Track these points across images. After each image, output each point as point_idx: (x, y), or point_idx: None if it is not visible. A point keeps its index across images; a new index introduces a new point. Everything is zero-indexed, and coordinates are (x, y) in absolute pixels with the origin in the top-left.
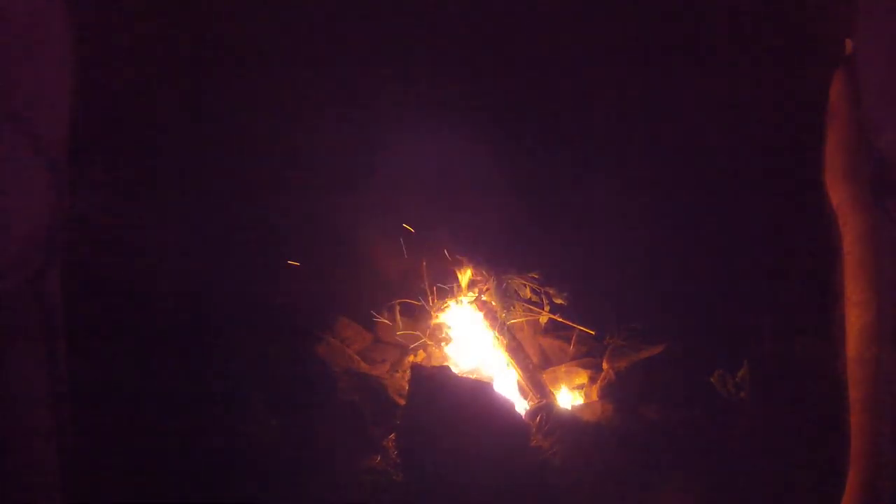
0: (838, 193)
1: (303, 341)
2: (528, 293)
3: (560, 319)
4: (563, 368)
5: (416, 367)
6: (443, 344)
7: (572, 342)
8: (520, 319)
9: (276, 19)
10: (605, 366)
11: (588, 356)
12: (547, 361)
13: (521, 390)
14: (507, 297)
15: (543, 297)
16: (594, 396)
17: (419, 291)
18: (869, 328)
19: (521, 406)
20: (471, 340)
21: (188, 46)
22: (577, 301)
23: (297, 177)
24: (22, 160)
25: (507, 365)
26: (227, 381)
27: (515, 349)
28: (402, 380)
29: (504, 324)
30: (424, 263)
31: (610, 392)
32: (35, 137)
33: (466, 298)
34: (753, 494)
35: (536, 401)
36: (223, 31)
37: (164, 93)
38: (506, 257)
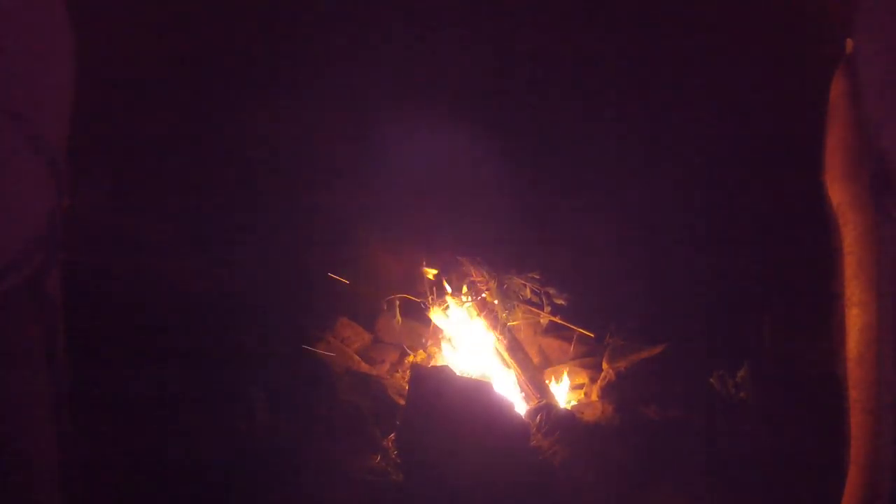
0: (838, 193)
1: (303, 341)
2: (528, 293)
3: (560, 321)
4: (563, 368)
5: (415, 367)
6: (443, 344)
7: (572, 342)
8: (519, 321)
9: (276, 19)
10: (604, 366)
11: (588, 356)
12: (547, 361)
13: (521, 390)
14: (508, 297)
15: (543, 297)
16: (594, 396)
17: (419, 291)
18: (869, 329)
19: (521, 406)
20: (471, 340)
21: (188, 46)
22: (578, 301)
23: (297, 177)
24: (21, 159)
25: (507, 365)
26: (227, 381)
27: (515, 349)
28: (402, 380)
29: (504, 324)
30: (425, 263)
31: (610, 392)
32: (35, 136)
33: (467, 298)
34: (753, 494)
35: (536, 401)
36: (223, 30)
37: (164, 93)
38: (506, 257)
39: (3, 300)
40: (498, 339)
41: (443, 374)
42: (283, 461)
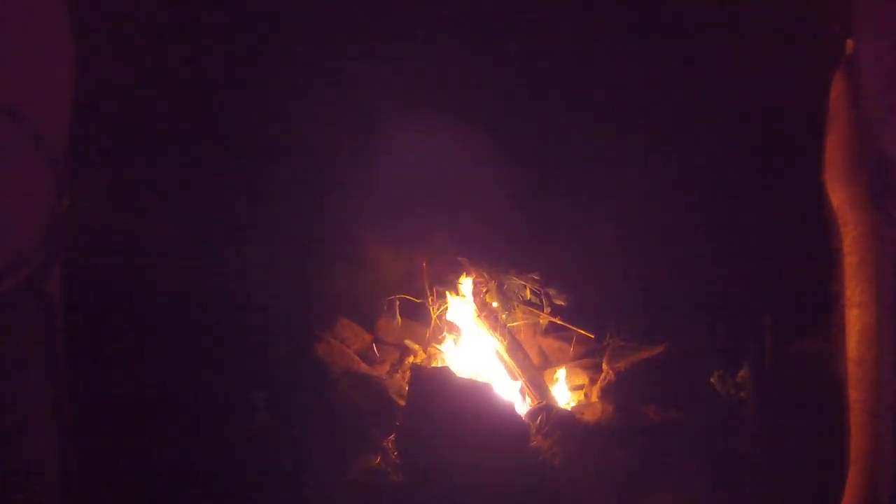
0: (838, 194)
1: (303, 341)
2: (528, 294)
3: (560, 322)
4: (563, 369)
5: (415, 368)
6: (443, 344)
7: (572, 343)
8: (519, 322)
9: (276, 17)
10: (604, 366)
11: (588, 357)
12: (547, 362)
13: (521, 391)
14: (508, 297)
15: (543, 297)
16: (594, 397)
17: (419, 291)
18: (869, 329)
19: (521, 407)
20: (471, 341)
21: (187, 45)
22: (578, 301)
23: (296, 176)
24: (21, 159)
25: (507, 365)
26: (227, 381)
27: (515, 350)
28: (402, 380)
29: (504, 324)
30: (425, 263)
31: (610, 392)
32: (35, 136)
33: (466, 299)
34: (753, 494)
35: (536, 402)
36: (222, 29)
37: (164, 92)
38: (506, 258)
39: (3, 300)
40: (498, 340)
41: (443, 374)
42: (283, 462)
